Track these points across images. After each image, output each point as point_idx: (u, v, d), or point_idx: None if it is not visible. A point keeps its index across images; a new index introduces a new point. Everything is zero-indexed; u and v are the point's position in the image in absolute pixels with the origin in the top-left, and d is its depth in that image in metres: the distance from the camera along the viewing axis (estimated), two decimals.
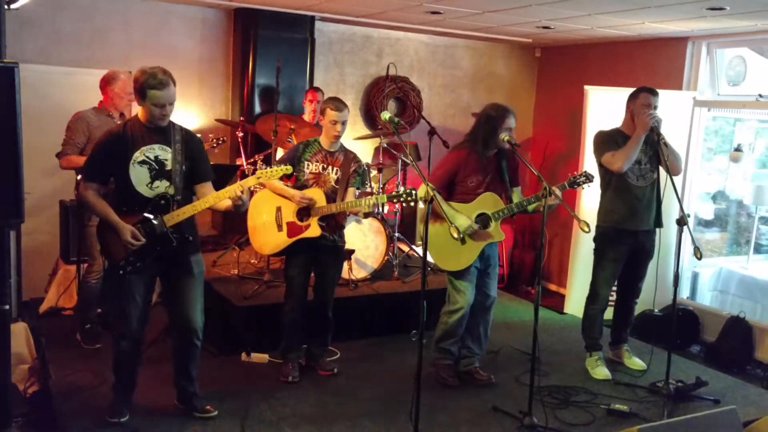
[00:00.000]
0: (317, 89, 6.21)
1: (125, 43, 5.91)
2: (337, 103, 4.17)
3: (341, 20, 6.57)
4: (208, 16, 6.27)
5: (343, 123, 4.17)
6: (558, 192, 3.87)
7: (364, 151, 6.98)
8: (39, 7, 5.41)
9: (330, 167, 4.23)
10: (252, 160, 5.64)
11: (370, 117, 7.01)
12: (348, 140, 6.83)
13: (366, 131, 6.90)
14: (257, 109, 6.29)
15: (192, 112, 6.32)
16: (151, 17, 6.01)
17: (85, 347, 4.64)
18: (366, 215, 4.37)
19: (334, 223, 4.24)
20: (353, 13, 6.11)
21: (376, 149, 6.33)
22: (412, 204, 3.98)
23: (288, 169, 3.70)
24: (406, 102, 7.14)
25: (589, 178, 4.10)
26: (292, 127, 5.48)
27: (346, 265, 5.18)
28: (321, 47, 6.68)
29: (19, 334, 3.81)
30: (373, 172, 5.91)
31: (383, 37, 7.05)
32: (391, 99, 7.09)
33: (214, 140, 5.75)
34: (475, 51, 7.59)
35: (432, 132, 6.31)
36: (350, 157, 4.30)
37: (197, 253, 3.61)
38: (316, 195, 4.14)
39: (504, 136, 4.03)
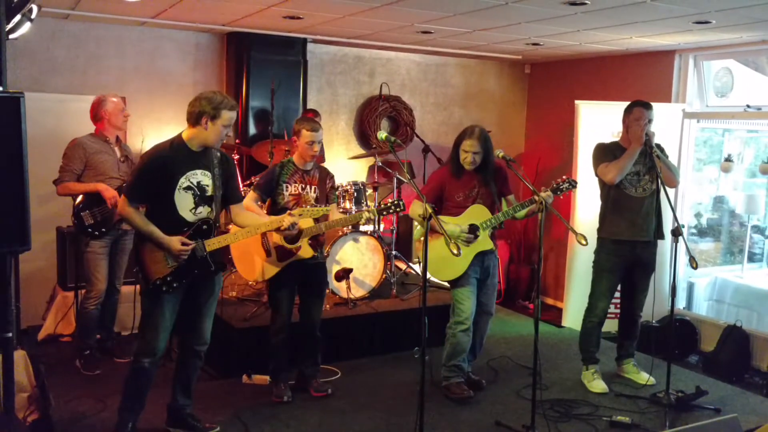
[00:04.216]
0: (315, 112, 6.27)
1: (119, 69, 5.95)
2: (313, 124, 4.19)
3: (333, 42, 6.63)
4: (201, 41, 6.32)
5: (320, 143, 4.21)
6: (544, 195, 3.91)
7: (359, 170, 7.02)
8: (33, 36, 5.43)
9: (308, 186, 4.26)
10: (248, 182, 5.67)
11: (363, 136, 7.05)
12: (342, 160, 6.88)
13: (360, 151, 6.93)
14: (252, 131, 6.32)
15: None
16: (144, 43, 6.06)
17: (84, 373, 4.62)
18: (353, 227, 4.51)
19: (316, 242, 4.27)
20: (344, 34, 6.17)
21: (371, 168, 6.36)
22: (401, 213, 4.08)
23: (327, 210, 3.88)
24: (398, 120, 7.18)
25: (572, 184, 4.20)
26: (287, 149, 5.52)
27: (344, 283, 5.21)
28: (313, 69, 6.74)
29: (18, 362, 3.76)
30: (369, 191, 5.94)
31: (375, 57, 7.12)
32: (384, 118, 7.13)
33: None
34: (466, 69, 7.67)
35: (426, 149, 6.37)
36: (324, 174, 4.36)
37: (220, 273, 3.69)
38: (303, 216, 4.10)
39: (499, 152, 4.11)
